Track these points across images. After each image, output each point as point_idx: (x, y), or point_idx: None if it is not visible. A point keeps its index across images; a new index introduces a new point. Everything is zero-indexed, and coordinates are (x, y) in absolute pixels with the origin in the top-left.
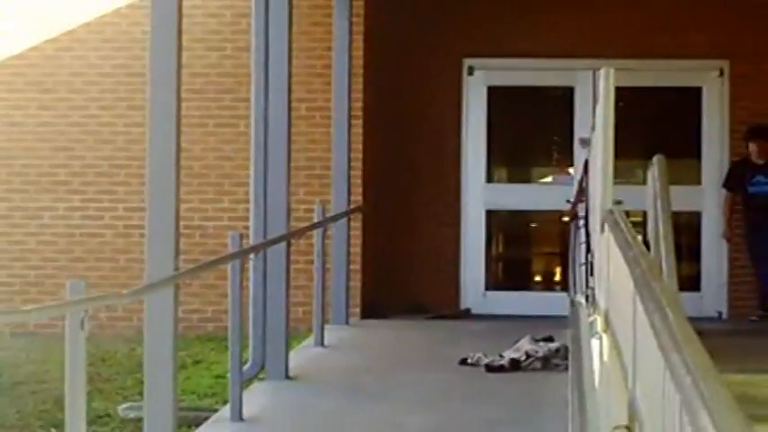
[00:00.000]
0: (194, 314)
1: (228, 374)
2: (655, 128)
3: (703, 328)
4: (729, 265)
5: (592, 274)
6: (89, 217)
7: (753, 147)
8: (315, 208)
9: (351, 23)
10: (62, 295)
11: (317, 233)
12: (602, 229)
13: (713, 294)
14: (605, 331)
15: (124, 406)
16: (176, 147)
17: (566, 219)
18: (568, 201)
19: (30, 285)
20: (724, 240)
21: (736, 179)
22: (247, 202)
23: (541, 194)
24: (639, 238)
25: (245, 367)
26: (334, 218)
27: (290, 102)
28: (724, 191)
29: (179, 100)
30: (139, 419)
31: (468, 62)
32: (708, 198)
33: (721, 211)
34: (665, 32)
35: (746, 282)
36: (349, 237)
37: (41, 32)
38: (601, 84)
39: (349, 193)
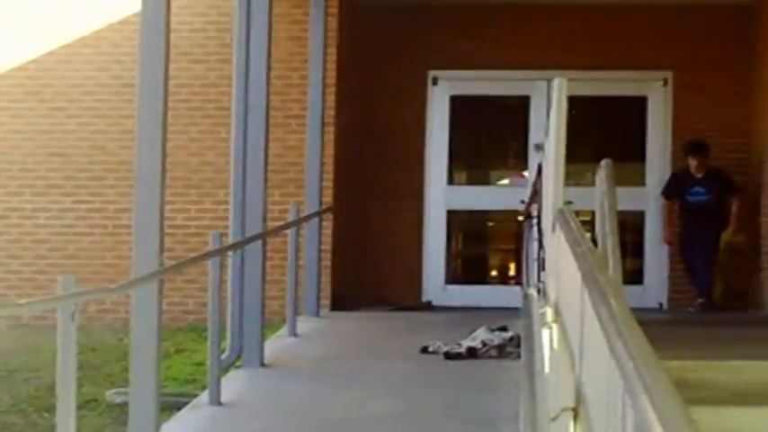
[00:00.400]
0: (177, 307)
1: (208, 362)
2: (603, 134)
3: (645, 318)
4: (670, 261)
5: (543, 269)
6: (80, 217)
7: (692, 161)
8: (289, 209)
9: (325, 38)
10: (54, 290)
11: (290, 232)
12: (554, 228)
13: (655, 287)
14: (555, 321)
15: (111, 391)
16: (162, 152)
17: (520, 218)
18: (523, 201)
19: (24, 281)
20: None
21: (675, 189)
22: (227, 203)
23: (498, 196)
24: (588, 235)
25: (224, 356)
26: (307, 218)
27: (267, 110)
28: (662, 198)
29: (165, 109)
30: (125, 404)
31: (432, 74)
32: (651, 199)
33: (662, 217)
34: (613, 45)
35: (685, 276)
36: (320, 235)
37: (40, 46)
38: (554, 93)
39: (321, 195)
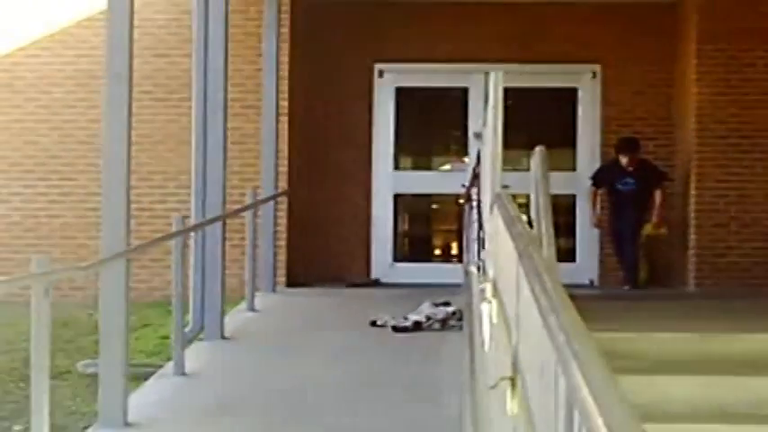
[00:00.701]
0: (143, 284)
1: (172, 336)
2: (537, 123)
3: (577, 293)
4: (600, 240)
5: (483, 248)
6: (52, 201)
7: (623, 159)
8: (247, 192)
9: (278, 34)
10: (29, 269)
11: (248, 214)
12: (492, 210)
13: (586, 265)
14: (494, 296)
15: (83, 363)
16: (127, 140)
17: (461, 201)
18: (463, 185)
19: (2, 260)
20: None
21: (605, 178)
22: (189, 187)
23: (441, 180)
24: (524, 216)
25: (187, 329)
26: (263, 201)
27: (226, 101)
28: (591, 185)
29: (130, 100)
30: (96, 374)
31: (378, 66)
32: (582, 182)
33: (589, 203)
34: (546, 40)
35: (614, 255)
36: (276, 217)
37: (12, 42)
38: (491, 85)
39: (276, 180)
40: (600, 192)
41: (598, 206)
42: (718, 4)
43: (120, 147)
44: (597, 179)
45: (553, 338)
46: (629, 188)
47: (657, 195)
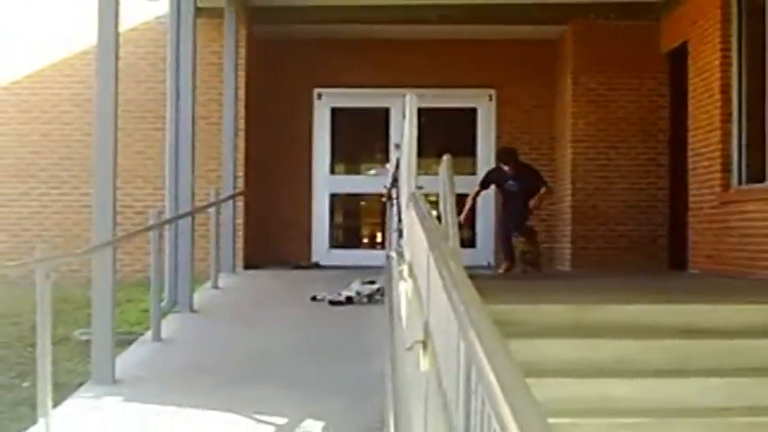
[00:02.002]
0: (128, 267)
1: (151, 309)
2: (444, 135)
3: (476, 273)
4: (495, 230)
5: (401, 237)
6: (53, 200)
7: (504, 167)
8: (211, 192)
9: (236, 64)
10: (34, 255)
11: (212, 210)
12: (408, 206)
13: (484, 250)
14: (410, 276)
15: (79, 331)
16: (114, 150)
17: (384, 199)
18: (386, 186)
19: (11, 249)
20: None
21: (493, 180)
22: (164, 188)
23: (368, 182)
24: (433, 212)
25: (163, 304)
26: (225, 200)
27: (193, 119)
28: (476, 187)
29: (116, 118)
30: (89, 341)
31: (317, 90)
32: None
33: (468, 201)
34: (451, 70)
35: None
36: (234, 212)
37: (20, 70)
38: (407, 105)
39: (235, 182)
40: (483, 193)
41: (468, 206)
42: (590, 41)
43: (108, 155)
44: (485, 182)
45: (455, 309)
46: (514, 188)
47: (537, 197)
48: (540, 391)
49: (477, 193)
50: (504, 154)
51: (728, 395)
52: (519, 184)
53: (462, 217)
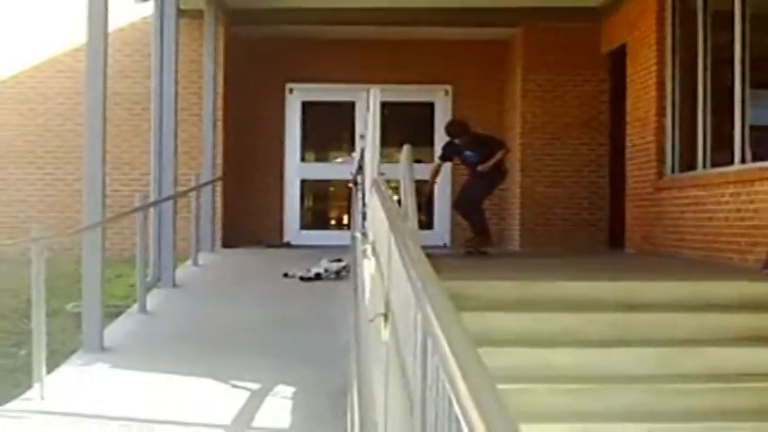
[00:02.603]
0: (116, 246)
1: (137, 284)
2: (405, 127)
3: (432, 252)
4: (451, 212)
5: (365, 219)
6: (48, 184)
7: (456, 141)
8: (192, 178)
9: (215, 61)
10: (30, 235)
11: (193, 194)
12: (371, 191)
13: (441, 231)
14: (372, 254)
15: (71, 304)
16: (103, 139)
17: (350, 184)
18: (351, 173)
19: (9, 228)
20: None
21: (450, 154)
22: (149, 174)
23: (335, 169)
24: (394, 196)
25: (148, 279)
26: (204, 184)
27: (176, 111)
28: (437, 161)
29: (104, 110)
30: (80, 313)
31: (289, 86)
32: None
33: (430, 174)
34: (411, 67)
35: (460, 223)
36: (213, 196)
37: (18, 65)
38: (371, 99)
39: (214, 169)
40: (445, 164)
41: (433, 178)
42: (538, 42)
43: (97, 144)
44: (444, 155)
45: (413, 285)
46: (471, 159)
47: (498, 154)
48: (491, 359)
49: (438, 166)
50: (452, 128)
51: (660, 364)
52: (477, 155)
53: (428, 187)
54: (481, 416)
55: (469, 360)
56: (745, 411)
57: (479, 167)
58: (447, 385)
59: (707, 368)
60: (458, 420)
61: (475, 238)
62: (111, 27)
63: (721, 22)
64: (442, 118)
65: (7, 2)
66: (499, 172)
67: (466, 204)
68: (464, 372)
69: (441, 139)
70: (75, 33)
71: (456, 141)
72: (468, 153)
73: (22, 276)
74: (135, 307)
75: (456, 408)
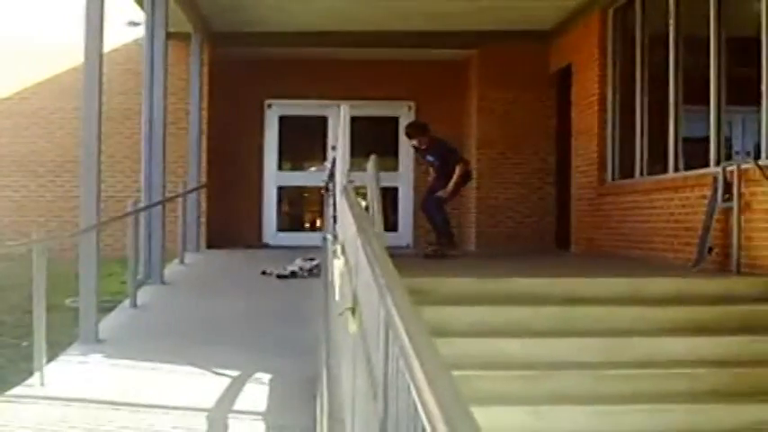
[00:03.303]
0: (109, 246)
1: (128, 281)
2: (372, 139)
3: (396, 252)
4: (414, 217)
5: (336, 222)
6: (48, 191)
7: (416, 141)
8: (179, 185)
9: (200, 79)
10: (31, 237)
11: (180, 199)
12: (341, 197)
13: (405, 233)
14: (342, 254)
15: (69, 300)
16: (98, 150)
17: (322, 191)
18: (324, 180)
19: (13, 231)
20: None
21: (416, 155)
22: (140, 181)
23: (309, 177)
24: (362, 202)
25: (139, 277)
26: (190, 191)
27: (165, 124)
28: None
29: (100, 123)
30: (77, 308)
31: (267, 101)
32: (401, 180)
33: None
34: (378, 85)
35: (423, 225)
36: (199, 202)
37: (21, 84)
38: (342, 114)
39: (199, 176)
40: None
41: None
42: (492, 62)
43: (93, 154)
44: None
45: (377, 281)
46: (435, 163)
47: (457, 170)
48: (448, 348)
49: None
50: (409, 128)
51: (601, 352)
52: (437, 160)
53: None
54: (436, 399)
55: (425, 349)
56: (677, 395)
57: (439, 193)
58: (406, 372)
59: (643, 356)
60: (415, 404)
61: (439, 243)
62: (106, 48)
63: (657, 44)
64: None
65: (12, 29)
66: (464, 175)
67: (430, 206)
68: (420, 360)
69: (405, 150)
70: (73, 54)
71: (414, 143)
72: (429, 158)
73: (24, 275)
74: (127, 302)
75: (414, 393)
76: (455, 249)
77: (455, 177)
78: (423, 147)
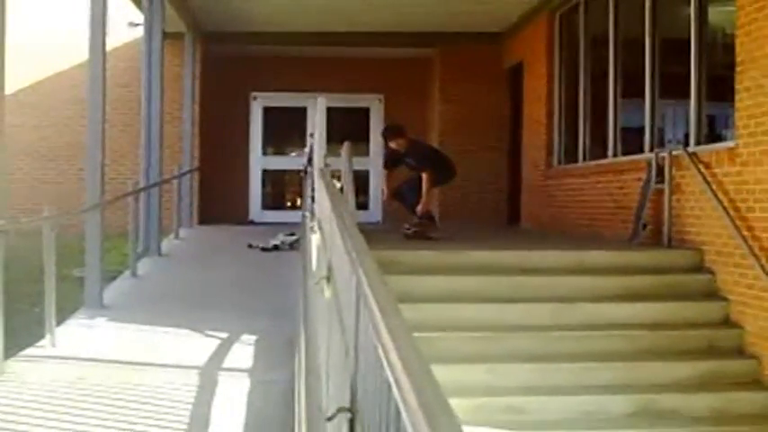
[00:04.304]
0: (112, 223)
1: (130, 253)
2: (346, 127)
3: (366, 228)
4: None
5: (313, 201)
6: (58, 174)
7: (393, 144)
8: (174, 169)
9: (193, 75)
10: (42, 214)
11: (175, 181)
12: (318, 178)
13: (374, 211)
14: (319, 229)
15: (76, 270)
16: (102, 137)
17: (302, 174)
18: (303, 164)
19: (26, 209)
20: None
21: (392, 162)
22: (139, 164)
23: (290, 161)
24: (337, 183)
25: (138, 250)
26: (184, 173)
27: (161, 114)
28: (384, 170)
29: (104, 112)
30: (83, 277)
31: (253, 94)
32: (372, 164)
33: (383, 184)
34: (351, 80)
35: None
36: (192, 183)
37: (34, 78)
38: (319, 105)
39: (192, 161)
40: (390, 174)
41: (385, 186)
42: (452, 59)
43: (97, 140)
44: (387, 164)
45: (349, 253)
46: (412, 165)
47: (424, 177)
48: (413, 313)
49: (388, 176)
50: (385, 131)
51: (548, 317)
52: (416, 162)
53: (387, 195)
54: (399, 356)
55: (391, 314)
56: (616, 354)
57: (418, 209)
58: (373, 333)
59: (585, 320)
60: (381, 360)
61: (421, 223)
62: (109, 47)
63: (598, 44)
64: (375, 120)
65: (28, 28)
66: (445, 172)
67: (400, 192)
68: (387, 323)
69: (375, 138)
70: (80, 51)
71: (393, 146)
72: (408, 160)
73: (36, 249)
74: (128, 272)
75: (380, 351)
76: (437, 231)
77: (424, 186)
78: (401, 149)
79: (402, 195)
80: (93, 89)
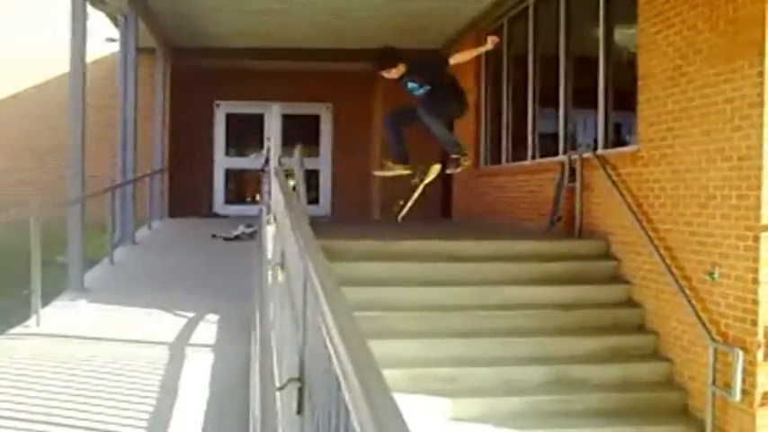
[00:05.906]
0: (91, 216)
1: (107, 242)
2: (299, 132)
3: (316, 221)
4: (331, 192)
5: (270, 197)
6: (46, 172)
7: (386, 74)
8: (147, 167)
9: (164, 84)
10: (30, 207)
11: (148, 179)
12: (274, 176)
13: (324, 205)
14: (274, 221)
15: (60, 257)
16: (82, 139)
17: (260, 173)
18: (261, 165)
19: (15, 202)
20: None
21: (404, 110)
22: (116, 164)
23: (250, 162)
24: (291, 181)
25: (115, 239)
26: (155, 173)
27: (135, 120)
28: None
29: (84, 118)
30: (67, 263)
31: (216, 101)
32: (322, 164)
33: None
34: (304, 90)
35: (342, 197)
36: (162, 181)
37: (22, 86)
38: (274, 112)
39: (162, 161)
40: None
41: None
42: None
43: (79, 142)
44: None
45: (298, 241)
46: (417, 92)
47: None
48: (356, 294)
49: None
50: (378, 62)
51: (474, 298)
52: (420, 85)
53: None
54: (339, 332)
55: (333, 295)
56: (531, 330)
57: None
58: (318, 314)
59: (506, 301)
60: (324, 336)
61: (402, 205)
62: (89, 59)
63: (519, 61)
64: (325, 126)
65: (15, 41)
66: (453, 94)
67: (386, 122)
68: (329, 303)
69: (325, 141)
70: (63, 63)
71: (394, 75)
72: (411, 84)
73: (25, 238)
74: (106, 259)
75: (324, 328)
76: (408, 168)
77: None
78: (398, 77)
79: (386, 128)
80: (75, 97)
